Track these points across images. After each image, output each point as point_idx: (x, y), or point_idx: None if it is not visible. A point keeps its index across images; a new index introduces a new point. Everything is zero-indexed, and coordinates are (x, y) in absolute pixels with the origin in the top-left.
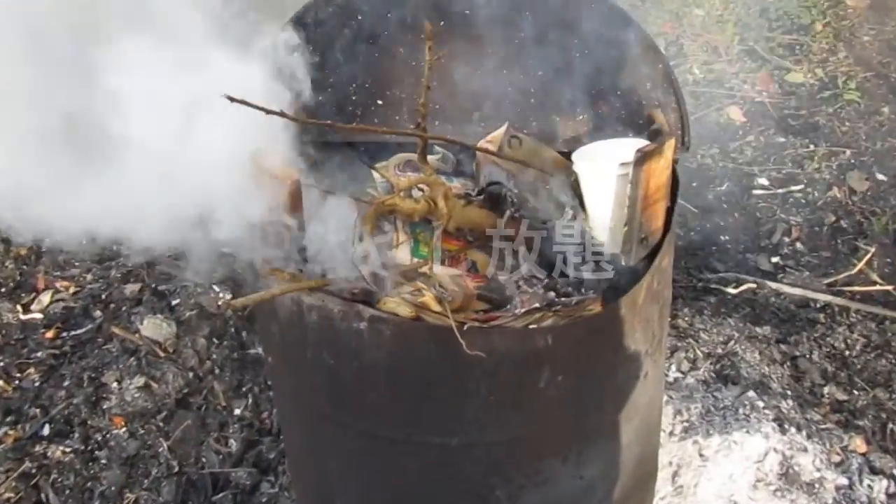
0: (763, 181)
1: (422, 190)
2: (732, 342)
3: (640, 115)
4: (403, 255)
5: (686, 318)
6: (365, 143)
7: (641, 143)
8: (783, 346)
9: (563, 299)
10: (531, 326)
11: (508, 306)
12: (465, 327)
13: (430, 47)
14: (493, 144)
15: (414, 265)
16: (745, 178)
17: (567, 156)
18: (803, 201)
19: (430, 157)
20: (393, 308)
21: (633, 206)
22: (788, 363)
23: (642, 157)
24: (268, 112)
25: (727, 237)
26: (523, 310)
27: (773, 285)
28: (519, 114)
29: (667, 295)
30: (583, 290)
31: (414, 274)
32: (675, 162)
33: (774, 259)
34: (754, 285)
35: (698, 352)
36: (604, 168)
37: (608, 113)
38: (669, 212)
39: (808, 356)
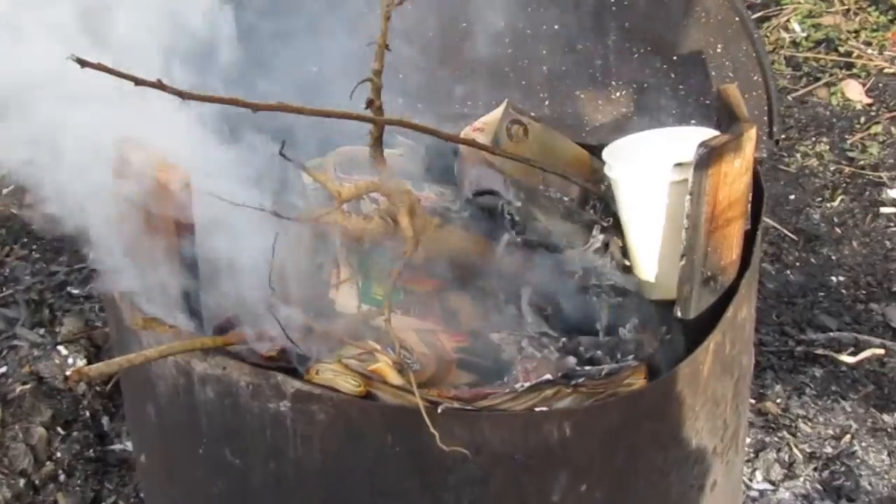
0: (895, 194)
1: (376, 202)
2: (848, 437)
3: (706, 91)
4: (348, 299)
5: (779, 401)
6: (286, 131)
7: (707, 133)
8: None
9: (587, 368)
10: (539, 409)
11: (506, 378)
12: (440, 409)
13: None
14: (484, 134)
15: (363, 315)
16: (869, 188)
17: (596, 152)
18: None
19: (388, 152)
20: (330, 380)
21: (694, 229)
22: None
23: (708, 156)
24: (138, 82)
25: (842, 278)
26: (527, 384)
27: None
28: (524, 88)
29: (745, 364)
30: (618, 356)
31: (363, 328)
32: (758, 163)
33: None
34: (881, 351)
35: (797, 451)
36: (650, 171)
37: (657, 87)
38: (750, 238)
39: None
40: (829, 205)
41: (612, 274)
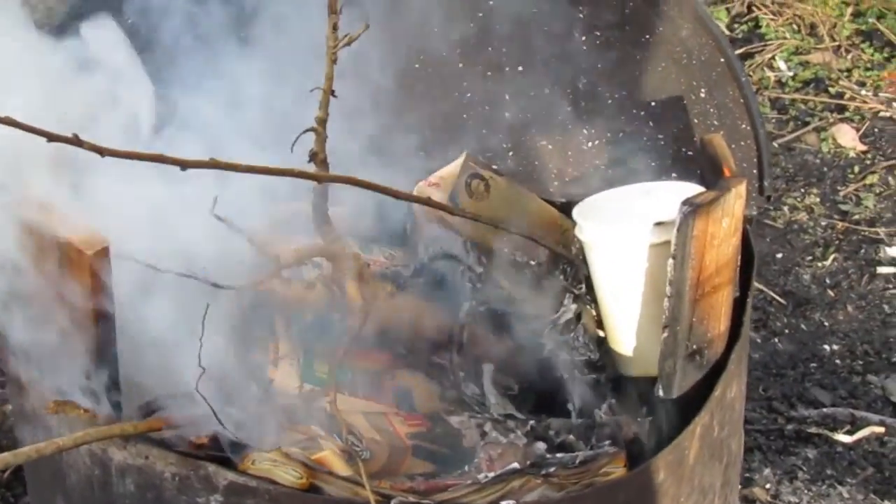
0: (894, 252)
1: (319, 267)
2: None
3: (688, 141)
4: (287, 377)
5: (768, 486)
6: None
7: (690, 189)
8: None
9: (559, 456)
10: (506, 502)
11: (467, 467)
12: None
13: (335, 25)
14: (440, 189)
15: (305, 396)
16: (865, 246)
17: (566, 209)
18: None
19: (332, 210)
20: (268, 470)
21: (678, 298)
22: None
23: (693, 214)
24: (52, 138)
25: (836, 346)
26: (492, 473)
27: None
28: (483, 137)
29: (735, 448)
30: (593, 440)
31: (305, 411)
32: (747, 222)
33: None
34: (881, 429)
35: None
36: (626, 233)
37: (633, 137)
38: (739, 306)
39: None
40: (820, 264)
41: (585, 348)
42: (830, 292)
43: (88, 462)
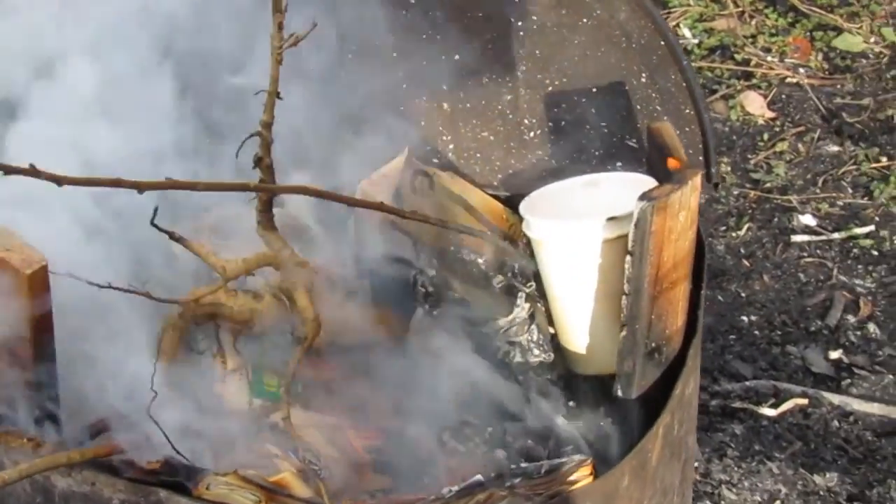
0: (807, 220)
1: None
2: (778, 503)
3: (631, 128)
4: (235, 393)
5: (698, 464)
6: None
7: (639, 180)
8: None
9: (524, 466)
10: None
11: (426, 479)
12: None
13: (281, 23)
14: (381, 188)
15: (255, 412)
16: (778, 214)
17: (510, 203)
18: (875, 253)
19: (277, 213)
20: (225, 495)
21: (636, 295)
22: None
23: (651, 210)
24: (7, 171)
25: (753, 317)
26: (455, 488)
27: (836, 399)
28: (423, 129)
29: (691, 444)
30: (551, 445)
31: (257, 429)
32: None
33: (834, 354)
34: (804, 401)
35: None
36: (578, 229)
37: (575, 124)
38: (694, 301)
39: None
40: (734, 234)
41: (539, 349)
42: (746, 262)
43: (29, 489)
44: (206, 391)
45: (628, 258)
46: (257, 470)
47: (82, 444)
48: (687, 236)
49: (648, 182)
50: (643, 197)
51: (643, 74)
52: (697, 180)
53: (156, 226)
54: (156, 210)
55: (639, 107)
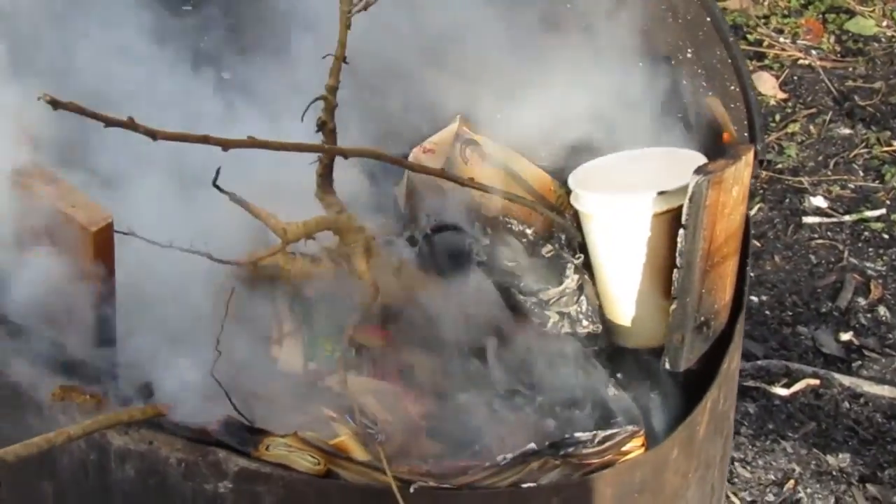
0: (819, 202)
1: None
2: (792, 482)
3: (678, 102)
4: (292, 356)
5: None
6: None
7: (688, 155)
8: (871, 487)
9: (577, 435)
10: (526, 485)
11: (478, 446)
12: (413, 489)
13: None
14: (435, 156)
15: (311, 376)
16: (790, 195)
17: (557, 176)
18: (886, 236)
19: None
20: (284, 456)
21: (688, 268)
22: None
23: (706, 185)
24: (109, 122)
25: (764, 297)
26: (510, 455)
27: (847, 381)
28: (470, 95)
29: (731, 420)
30: (598, 418)
31: (312, 392)
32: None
33: (845, 336)
34: (815, 382)
35: (736, 500)
36: (628, 202)
37: (622, 97)
38: (741, 275)
39: None
40: None
41: (588, 320)
42: (757, 242)
43: (84, 446)
44: (260, 353)
45: (681, 231)
46: (316, 432)
47: (139, 403)
48: (738, 211)
49: (696, 157)
50: (698, 171)
51: (689, 50)
52: (751, 156)
53: (218, 187)
54: (218, 171)
55: (684, 82)
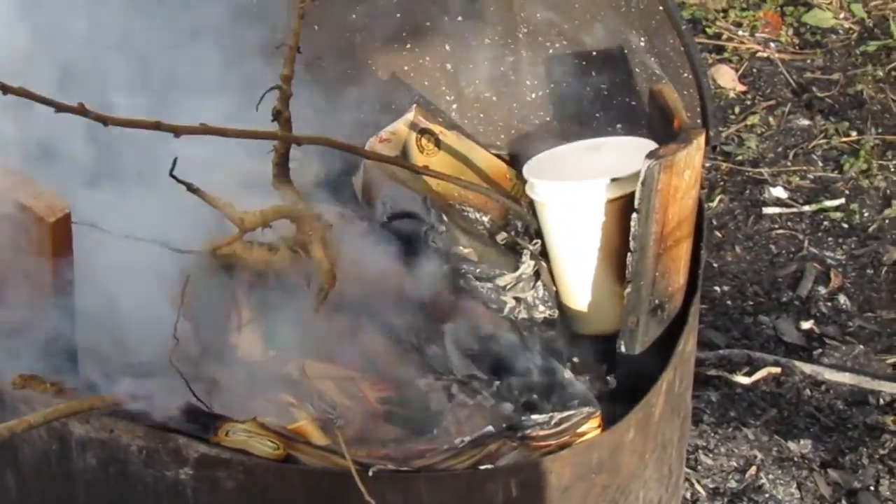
0: (778, 192)
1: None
2: (754, 469)
3: (630, 91)
4: (251, 343)
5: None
6: None
7: (641, 143)
8: (833, 473)
9: (534, 418)
10: (484, 466)
11: (436, 431)
12: (371, 472)
13: None
14: (391, 145)
15: (271, 362)
16: (750, 187)
17: (512, 164)
18: (845, 225)
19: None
20: (243, 442)
21: (642, 252)
22: (844, 501)
23: (657, 167)
24: (60, 108)
25: (726, 288)
26: (468, 438)
27: (808, 368)
28: (427, 89)
29: (688, 401)
30: (555, 400)
31: (273, 379)
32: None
33: (805, 324)
34: (777, 370)
35: (699, 487)
36: (581, 189)
37: (576, 87)
38: (695, 258)
39: (872, 488)
40: (706, 206)
41: (544, 305)
42: (718, 233)
43: (45, 436)
44: (220, 341)
45: (634, 216)
46: (275, 418)
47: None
48: (691, 195)
49: (650, 146)
50: (650, 155)
51: (642, 39)
52: (702, 140)
53: (174, 177)
54: (174, 161)
55: (637, 70)
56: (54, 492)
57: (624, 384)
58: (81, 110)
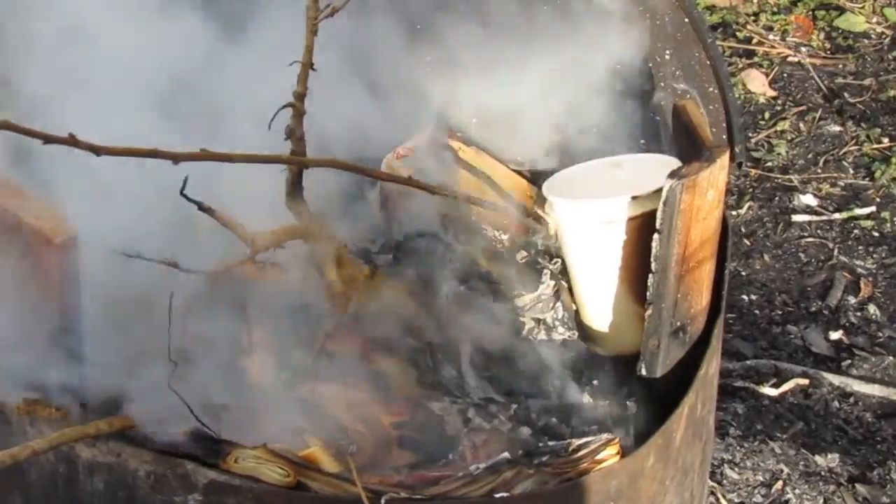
0: (808, 200)
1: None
2: (780, 483)
3: (655, 106)
4: (262, 366)
5: None
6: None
7: (663, 161)
8: (861, 488)
9: (551, 444)
10: (499, 495)
11: (451, 456)
12: (384, 501)
13: None
14: (409, 160)
15: (283, 385)
16: (779, 194)
17: (533, 179)
18: (876, 234)
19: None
20: (253, 468)
21: (663, 273)
22: None
23: (681, 188)
24: (48, 139)
25: (754, 297)
26: (483, 465)
27: (836, 380)
28: (449, 106)
29: (711, 425)
30: (574, 423)
31: (284, 403)
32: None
33: (835, 334)
34: (805, 381)
35: (724, 502)
36: (600, 208)
37: (598, 101)
38: (718, 280)
39: None
40: (735, 213)
41: (563, 326)
42: (746, 241)
43: (53, 459)
44: (230, 364)
45: (656, 236)
46: (285, 444)
47: (107, 416)
48: (714, 215)
49: (672, 163)
50: (672, 175)
51: (667, 52)
52: (726, 158)
53: (185, 196)
54: (185, 180)
55: (662, 84)
56: None
57: (645, 409)
58: (72, 141)
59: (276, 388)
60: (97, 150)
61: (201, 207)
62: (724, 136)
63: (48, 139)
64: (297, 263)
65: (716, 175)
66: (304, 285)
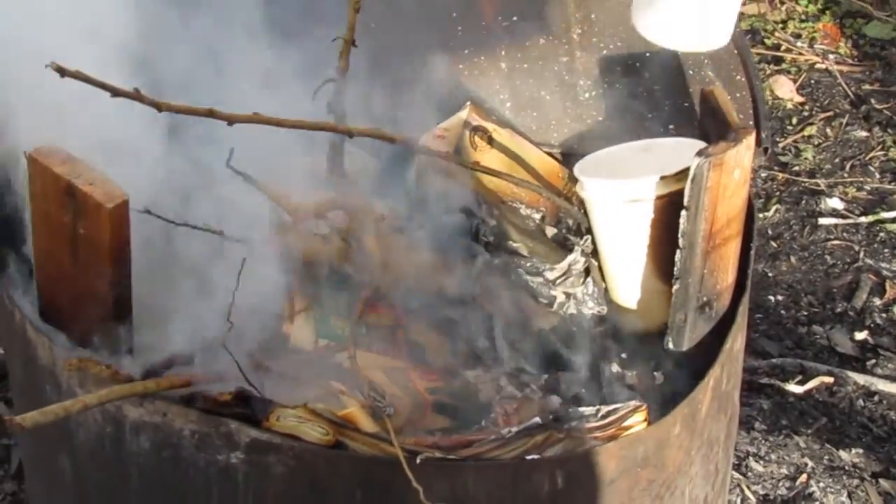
0: (835, 203)
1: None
2: (804, 476)
3: (684, 92)
4: (304, 333)
5: None
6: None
7: (692, 144)
8: (884, 483)
9: (581, 410)
10: (530, 457)
11: (483, 422)
12: (419, 460)
13: None
14: (446, 141)
15: (322, 352)
16: (806, 197)
17: (565, 162)
18: None
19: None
20: (294, 427)
21: (690, 249)
22: None
23: (707, 166)
24: (115, 92)
25: (780, 297)
26: (515, 428)
27: (861, 379)
28: (483, 86)
29: (736, 401)
30: (603, 394)
31: (323, 367)
32: (753, 174)
33: (860, 335)
34: (830, 380)
35: (749, 493)
36: (630, 187)
37: (629, 87)
38: (744, 257)
39: None
40: (762, 216)
41: (594, 302)
42: (773, 243)
43: (100, 419)
44: (273, 329)
45: (683, 213)
46: (326, 405)
47: (156, 376)
48: (740, 194)
49: (700, 146)
50: (700, 153)
51: None
52: (752, 140)
53: (231, 167)
54: (231, 151)
55: (691, 72)
56: (108, 475)
57: (672, 381)
58: (136, 95)
59: (316, 353)
60: (158, 106)
61: (246, 178)
62: (751, 123)
63: (115, 92)
64: (338, 234)
65: (742, 155)
66: (343, 255)
